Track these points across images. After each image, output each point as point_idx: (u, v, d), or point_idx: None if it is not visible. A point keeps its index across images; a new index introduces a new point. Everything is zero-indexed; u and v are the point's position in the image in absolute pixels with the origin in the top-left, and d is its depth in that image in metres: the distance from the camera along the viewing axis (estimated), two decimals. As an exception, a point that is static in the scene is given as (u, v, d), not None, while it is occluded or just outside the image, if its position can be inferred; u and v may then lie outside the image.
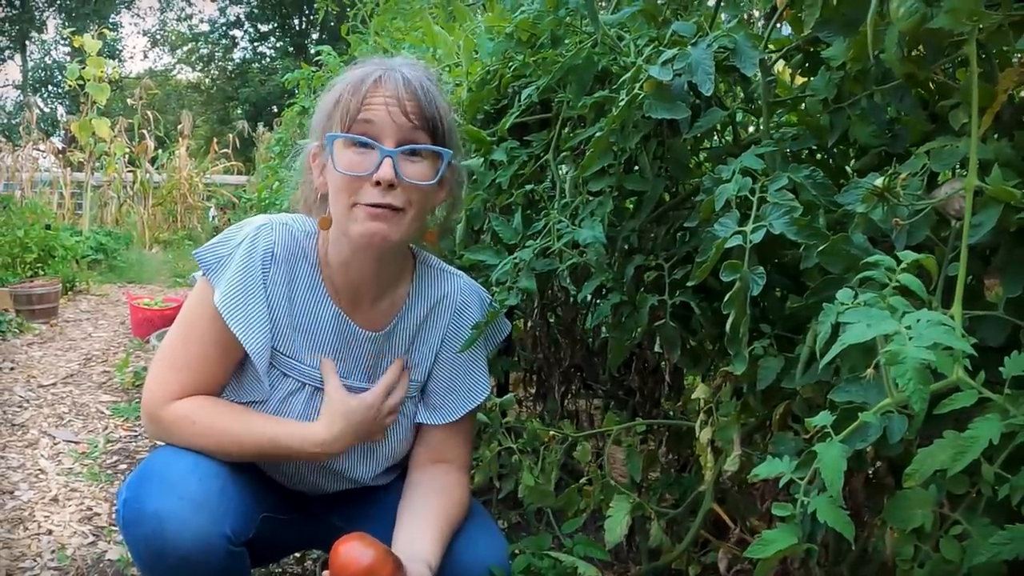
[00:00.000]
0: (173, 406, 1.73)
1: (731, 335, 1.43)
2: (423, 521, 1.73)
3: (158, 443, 1.82)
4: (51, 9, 36.37)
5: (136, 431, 4.22)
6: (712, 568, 1.88)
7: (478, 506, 1.93)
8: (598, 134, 1.70)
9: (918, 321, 0.99)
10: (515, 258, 1.84)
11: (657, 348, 1.86)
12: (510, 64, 2.23)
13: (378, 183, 1.60)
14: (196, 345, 1.76)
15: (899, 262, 1.12)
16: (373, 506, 1.88)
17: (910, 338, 0.97)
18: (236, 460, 1.71)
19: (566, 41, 2.07)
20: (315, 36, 35.94)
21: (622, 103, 1.62)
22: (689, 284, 1.63)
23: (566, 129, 2.06)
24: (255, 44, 40.84)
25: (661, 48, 1.66)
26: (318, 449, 1.69)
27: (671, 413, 2.45)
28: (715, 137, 2.04)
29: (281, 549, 2.19)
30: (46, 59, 38.13)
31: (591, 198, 1.83)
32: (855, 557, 1.57)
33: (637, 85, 1.61)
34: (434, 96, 1.68)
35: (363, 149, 1.63)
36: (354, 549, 1.55)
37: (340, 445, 1.70)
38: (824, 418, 1.15)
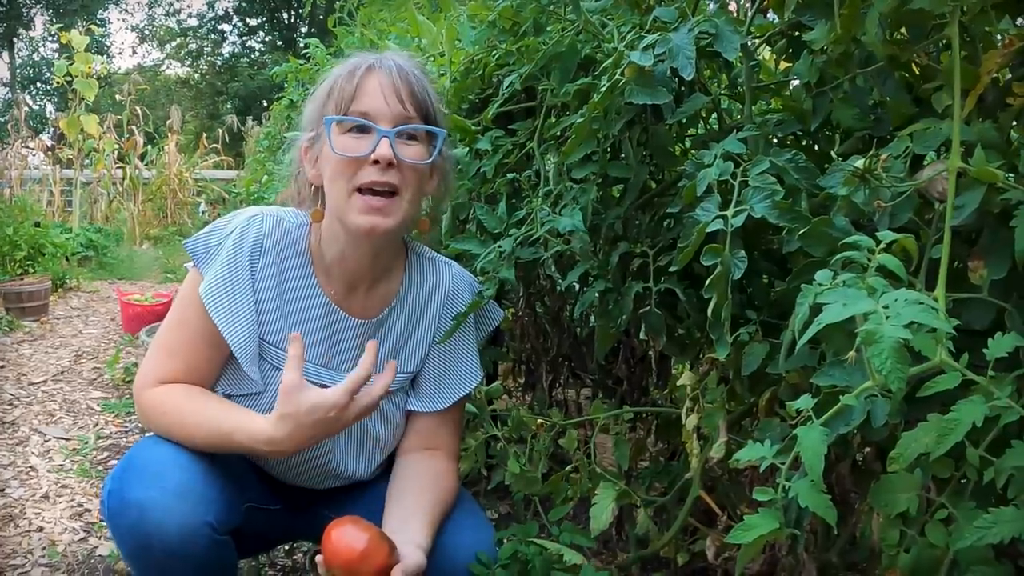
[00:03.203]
0: (152, 391, 1.74)
1: (713, 320, 1.42)
2: (413, 507, 1.73)
3: (146, 433, 1.82)
4: (38, 6, 36.18)
5: (127, 427, 4.20)
6: (701, 556, 1.88)
7: (465, 494, 1.93)
8: (579, 120, 1.69)
9: (896, 300, 0.99)
10: (498, 247, 1.84)
11: (643, 336, 1.86)
12: (494, 53, 2.22)
13: (376, 162, 1.62)
14: (185, 334, 1.77)
15: (879, 243, 1.11)
16: (362, 495, 1.87)
17: (887, 317, 0.97)
18: (205, 451, 1.69)
19: (548, 29, 2.06)
20: (304, 30, 35.86)
21: (604, 89, 1.61)
22: (672, 270, 1.63)
23: (550, 118, 2.05)
24: (244, 38, 40.68)
25: (643, 34, 1.66)
26: (267, 447, 1.60)
27: (659, 401, 2.45)
28: (701, 124, 2.03)
29: (269, 540, 2.19)
30: (34, 56, 37.98)
31: (574, 185, 1.83)
32: (844, 543, 1.56)
33: (619, 71, 1.60)
34: (424, 83, 1.71)
35: (359, 133, 1.64)
36: (348, 533, 1.53)
37: (291, 445, 1.59)
38: (805, 402, 1.15)
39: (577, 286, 2.11)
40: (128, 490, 1.60)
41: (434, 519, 1.73)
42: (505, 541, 1.81)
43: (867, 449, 1.52)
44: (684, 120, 1.79)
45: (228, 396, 1.82)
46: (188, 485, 1.61)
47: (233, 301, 1.73)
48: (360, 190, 1.64)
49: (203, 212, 15.38)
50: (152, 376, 1.75)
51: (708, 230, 1.41)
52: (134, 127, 14.60)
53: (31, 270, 7.58)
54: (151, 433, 1.77)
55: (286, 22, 38.97)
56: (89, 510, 3.14)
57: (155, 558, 1.59)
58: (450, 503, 1.81)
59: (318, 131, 1.71)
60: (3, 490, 3.30)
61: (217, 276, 1.73)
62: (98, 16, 37.01)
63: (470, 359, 1.93)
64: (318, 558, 1.55)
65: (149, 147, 15.52)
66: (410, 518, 1.70)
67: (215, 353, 1.77)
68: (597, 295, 1.86)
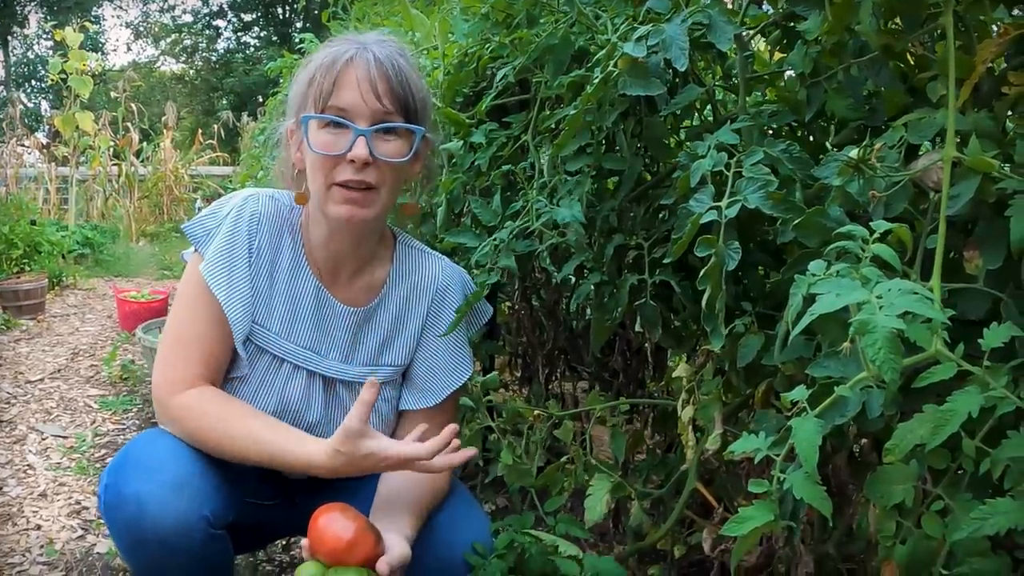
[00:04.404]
0: (180, 398, 1.72)
1: (707, 311, 1.42)
2: (402, 498, 1.73)
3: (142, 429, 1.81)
4: (33, 3, 36.05)
5: (124, 424, 4.21)
6: (697, 548, 1.88)
7: (460, 485, 1.93)
8: (572, 113, 1.69)
9: (889, 290, 0.98)
10: (494, 239, 1.83)
11: (639, 328, 1.85)
12: (487, 45, 2.21)
13: (353, 161, 1.62)
14: (194, 321, 1.77)
15: (873, 233, 1.11)
16: (358, 493, 1.86)
17: (880, 307, 0.96)
18: (236, 461, 1.69)
19: (542, 21, 2.06)
20: (299, 25, 35.76)
21: (597, 81, 1.60)
22: (666, 261, 1.63)
23: (544, 110, 2.05)
24: (239, 34, 40.53)
25: (636, 25, 1.65)
26: (314, 472, 1.63)
27: (655, 393, 2.45)
28: (695, 115, 2.03)
29: (266, 535, 2.19)
30: (28, 54, 37.82)
31: (569, 178, 1.82)
32: (841, 535, 1.56)
33: (612, 63, 1.60)
34: (405, 73, 1.69)
35: (337, 129, 1.65)
36: (336, 521, 1.53)
37: (334, 474, 1.62)
38: (800, 393, 1.14)
39: (573, 279, 2.10)
40: (125, 484, 1.61)
41: (422, 511, 1.73)
42: (501, 532, 1.81)
43: (864, 440, 1.52)
44: (679, 111, 1.79)
45: None
46: (184, 479, 1.62)
47: (232, 274, 1.74)
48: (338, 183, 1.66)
49: (199, 208, 15.33)
50: (175, 378, 1.74)
51: (702, 221, 1.41)
52: (129, 124, 14.55)
53: (27, 268, 7.56)
54: (147, 428, 1.77)
55: (281, 17, 38.85)
56: (87, 508, 3.15)
57: (151, 551, 1.59)
58: (440, 495, 1.81)
59: (299, 119, 1.71)
60: (1, 488, 3.30)
61: (216, 252, 1.74)
62: (92, 13, 36.83)
63: (461, 353, 1.93)
64: (303, 542, 1.55)
65: (144, 144, 15.47)
66: (398, 509, 1.70)
67: (227, 336, 1.76)
68: (592, 287, 1.86)
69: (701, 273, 1.41)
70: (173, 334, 1.78)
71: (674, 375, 1.84)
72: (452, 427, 1.62)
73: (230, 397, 1.77)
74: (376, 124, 1.65)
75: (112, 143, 13.82)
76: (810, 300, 1.05)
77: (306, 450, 1.62)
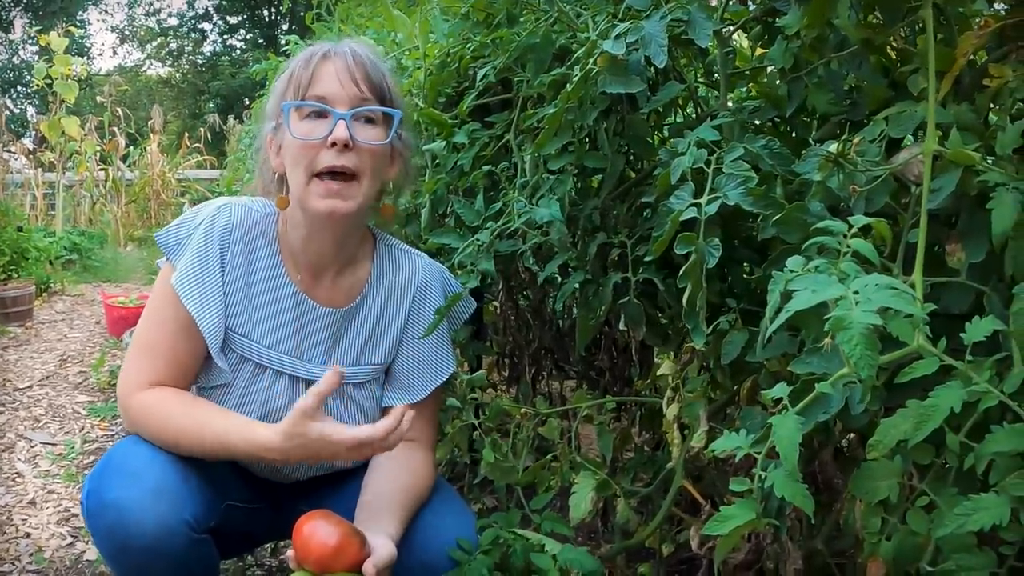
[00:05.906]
0: (139, 397, 1.72)
1: (688, 309, 1.41)
2: (386, 497, 1.73)
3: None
4: (17, 8, 35.90)
5: (113, 430, 4.19)
6: (686, 546, 1.87)
7: (445, 483, 1.94)
8: (552, 111, 1.68)
9: (866, 286, 0.98)
10: (476, 240, 1.83)
11: (624, 326, 1.85)
12: (468, 45, 2.21)
13: (333, 144, 1.63)
14: (162, 329, 1.77)
15: (851, 228, 1.11)
16: (343, 494, 1.87)
17: (857, 303, 0.96)
18: (196, 457, 1.69)
19: (522, 20, 2.05)
20: (284, 27, 35.69)
21: (577, 79, 1.60)
22: (647, 259, 1.63)
23: (527, 109, 2.04)
24: (225, 37, 40.42)
25: (616, 23, 1.65)
26: (267, 455, 1.62)
27: (642, 391, 2.44)
28: (678, 112, 2.02)
29: (252, 540, 2.19)
30: (13, 59, 37.66)
31: (551, 177, 1.82)
32: (829, 530, 1.56)
33: (592, 60, 1.59)
34: (380, 66, 1.74)
35: (318, 118, 1.67)
36: (320, 528, 1.53)
37: (286, 458, 1.62)
38: (781, 390, 1.14)
39: (558, 278, 2.10)
40: (106, 490, 1.61)
41: (406, 510, 1.73)
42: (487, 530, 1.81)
43: (851, 436, 1.51)
44: (660, 109, 1.78)
45: (199, 389, 1.83)
46: (165, 484, 1.62)
47: (203, 287, 1.74)
48: (319, 175, 1.66)
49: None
50: (138, 380, 1.74)
51: (682, 218, 1.40)
52: (116, 128, 14.52)
53: (14, 275, 7.53)
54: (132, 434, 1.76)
55: (266, 20, 38.74)
56: (76, 515, 3.13)
57: (134, 557, 1.59)
58: (424, 493, 1.81)
59: (279, 120, 1.73)
60: (-11, 497, 3.29)
61: (188, 264, 1.74)
62: (77, 18, 36.72)
63: (443, 349, 1.93)
64: (289, 553, 1.55)
65: (131, 148, 15.43)
66: (382, 508, 1.70)
67: (196, 345, 1.76)
68: (577, 286, 1.86)
69: (682, 271, 1.40)
70: (141, 341, 1.79)
71: (659, 373, 1.83)
72: (403, 405, 1.62)
73: (189, 395, 1.78)
74: (355, 108, 1.67)
75: (99, 148, 13.78)
76: (788, 296, 1.05)
77: (260, 434, 1.62)
